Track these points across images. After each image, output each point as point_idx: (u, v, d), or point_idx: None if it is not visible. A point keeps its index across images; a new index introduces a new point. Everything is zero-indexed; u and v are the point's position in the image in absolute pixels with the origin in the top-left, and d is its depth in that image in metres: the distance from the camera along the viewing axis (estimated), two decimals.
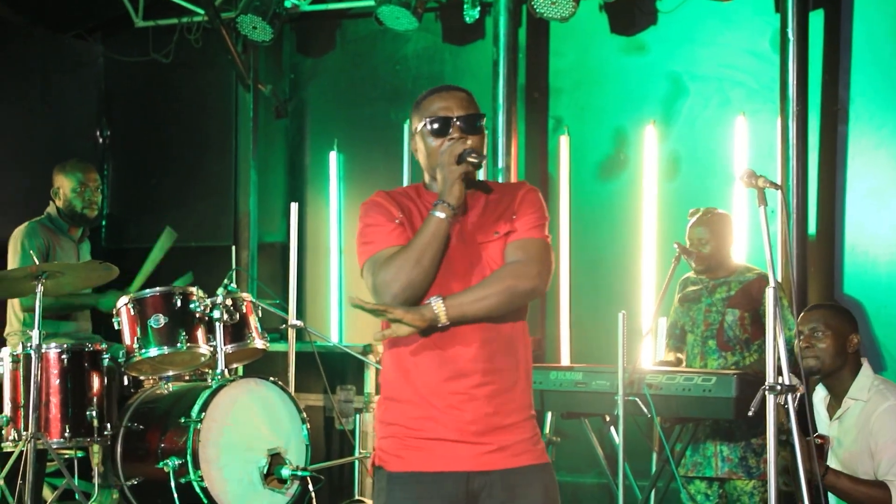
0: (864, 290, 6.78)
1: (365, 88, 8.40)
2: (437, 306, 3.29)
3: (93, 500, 6.09)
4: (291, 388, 6.52)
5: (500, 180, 7.37)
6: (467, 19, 7.58)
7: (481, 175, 3.61)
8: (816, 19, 6.89)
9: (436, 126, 3.43)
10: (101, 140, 9.10)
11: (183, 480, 5.82)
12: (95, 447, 6.07)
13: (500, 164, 7.38)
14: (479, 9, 7.54)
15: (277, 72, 8.64)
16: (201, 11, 8.21)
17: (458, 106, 3.46)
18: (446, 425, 3.34)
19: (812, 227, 6.84)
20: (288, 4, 7.97)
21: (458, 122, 3.43)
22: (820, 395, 4.92)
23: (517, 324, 3.45)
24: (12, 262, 6.64)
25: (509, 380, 3.41)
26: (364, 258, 3.41)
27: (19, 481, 5.75)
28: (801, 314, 4.89)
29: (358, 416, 7.23)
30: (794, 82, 6.67)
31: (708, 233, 5.84)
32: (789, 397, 4.00)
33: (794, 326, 5.02)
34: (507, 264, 3.39)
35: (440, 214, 3.32)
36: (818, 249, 6.85)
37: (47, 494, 6.33)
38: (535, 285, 3.38)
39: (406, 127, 7.90)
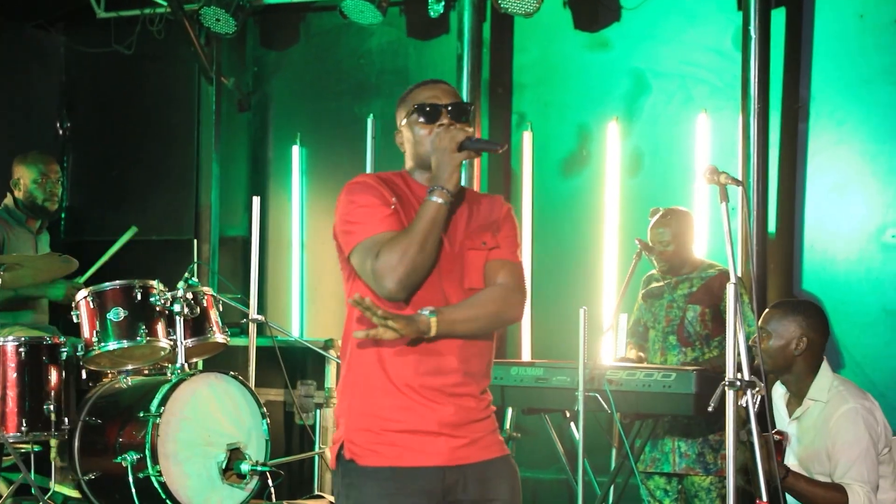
0: (823, 288, 6.83)
1: (329, 82, 8.38)
2: (431, 320, 3.25)
3: (49, 494, 6.05)
4: (252, 383, 6.51)
5: (463, 175, 7.35)
6: (432, 14, 7.57)
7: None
8: (778, 17, 6.91)
9: (425, 113, 3.42)
10: (61, 132, 9.02)
11: (141, 475, 5.79)
12: (53, 441, 6.03)
13: None
14: (443, 3, 7.53)
15: (240, 65, 8.60)
16: (164, 3, 8.15)
17: (446, 95, 3.46)
18: (423, 417, 3.31)
19: (772, 224, 6.87)
20: None
21: (447, 110, 3.42)
22: (780, 392, 4.94)
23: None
24: None
25: (482, 383, 3.43)
26: (355, 239, 3.32)
27: None
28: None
29: (318, 411, 7.22)
30: (756, 80, 6.69)
31: (669, 233, 5.85)
32: (749, 393, 4.02)
33: (754, 323, 5.05)
34: (496, 286, 3.41)
35: (438, 200, 3.28)
36: (778, 246, 6.89)
37: (3, 489, 6.28)
38: (517, 314, 3.45)
39: (369, 121, 7.88)
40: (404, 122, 3.49)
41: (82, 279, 6.80)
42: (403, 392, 3.31)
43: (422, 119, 3.43)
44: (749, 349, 4.27)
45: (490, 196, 3.61)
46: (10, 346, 5.88)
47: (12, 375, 5.88)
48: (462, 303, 3.34)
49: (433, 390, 3.32)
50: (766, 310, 4.88)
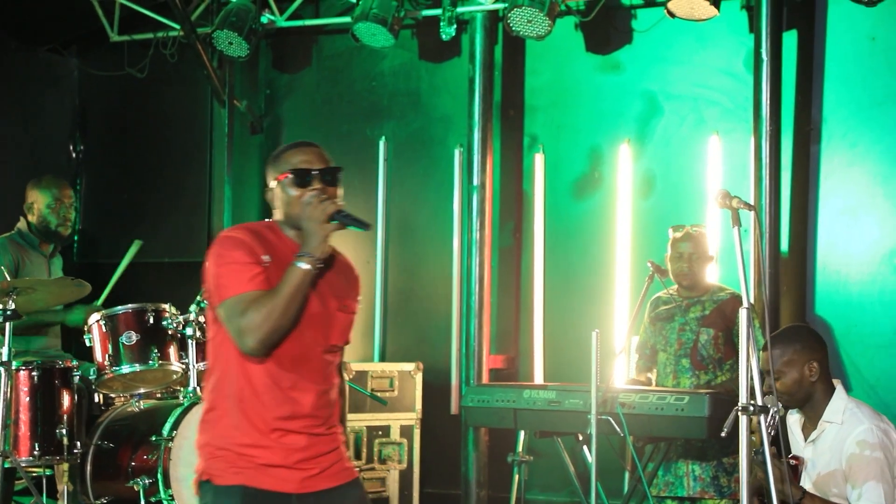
0: (835, 310, 6.80)
1: (341, 105, 8.40)
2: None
3: None
4: None
5: (475, 197, 7.38)
6: (444, 36, 7.58)
7: None
8: (790, 40, 6.92)
9: (297, 177, 3.51)
10: (74, 154, 9.06)
11: (153, 499, 5.79)
12: (63, 466, 6.03)
13: (476, 181, 7.39)
14: (455, 26, 7.53)
15: (253, 87, 8.63)
16: (177, 26, 8.18)
17: (319, 159, 3.56)
18: (275, 453, 3.46)
19: (784, 246, 6.85)
20: (264, 20, 7.96)
21: (319, 174, 3.51)
22: (795, 417, 4.92)
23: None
24: None
25: (331, 421, 3.60)
26: (223, 294, 3.43)
27: None
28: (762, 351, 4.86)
29: None
30: (768, 102, 6.70)
31: (695, 247, 5.82)
32: (762, 418, 4.00)
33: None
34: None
35: (306, 266, 3.40)
36: (790, 268, 6.87)
37: None
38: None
39: (381, 144, 7.91)
40: (276, 182, 3.57)
41: (99, 301, 6.80)
42: (262, 432, 3.45)
43: (294, 182, 3.51)
44: (762, 373, 4.26)
45: (346, 259, 3.72)
46: (23, 371, 5.89)
47: (25, 400, 5.89)
48: None
49: (291, 433, 3.47)
50: (762, 352, 4.85)
